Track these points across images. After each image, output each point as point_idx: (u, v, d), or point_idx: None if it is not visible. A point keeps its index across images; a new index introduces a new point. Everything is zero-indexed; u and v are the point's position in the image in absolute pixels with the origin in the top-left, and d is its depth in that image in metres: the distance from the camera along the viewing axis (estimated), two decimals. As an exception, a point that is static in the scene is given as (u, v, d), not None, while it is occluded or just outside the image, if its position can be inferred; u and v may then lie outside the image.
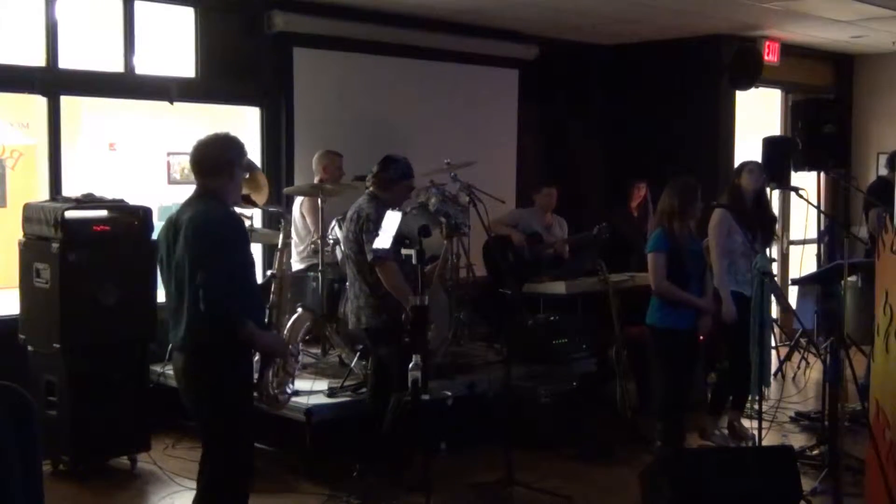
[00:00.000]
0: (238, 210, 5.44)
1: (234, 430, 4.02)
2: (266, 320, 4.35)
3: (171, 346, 4.20)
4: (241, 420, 4.06)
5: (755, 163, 6.67)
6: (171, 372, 5.42)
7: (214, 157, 4.02)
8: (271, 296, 4.69)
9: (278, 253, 4.92)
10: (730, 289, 6.18)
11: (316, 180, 6.90)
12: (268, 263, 7.36)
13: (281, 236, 5.00)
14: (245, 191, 4.85)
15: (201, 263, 3.83)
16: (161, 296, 5.94)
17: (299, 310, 4.73)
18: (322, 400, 5.86)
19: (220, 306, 3.82)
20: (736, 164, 8.90)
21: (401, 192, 5.53)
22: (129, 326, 5.75)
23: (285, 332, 4.61)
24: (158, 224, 6.07)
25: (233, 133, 4.17)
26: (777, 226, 7.30)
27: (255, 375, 4.30)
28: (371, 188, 5.55)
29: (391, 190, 5.48)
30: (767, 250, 6.60)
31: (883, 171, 10.50)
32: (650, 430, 6.35)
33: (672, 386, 5.78)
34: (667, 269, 5.65)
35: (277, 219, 7.35)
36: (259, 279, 7.10)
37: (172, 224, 4.04)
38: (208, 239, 3.88)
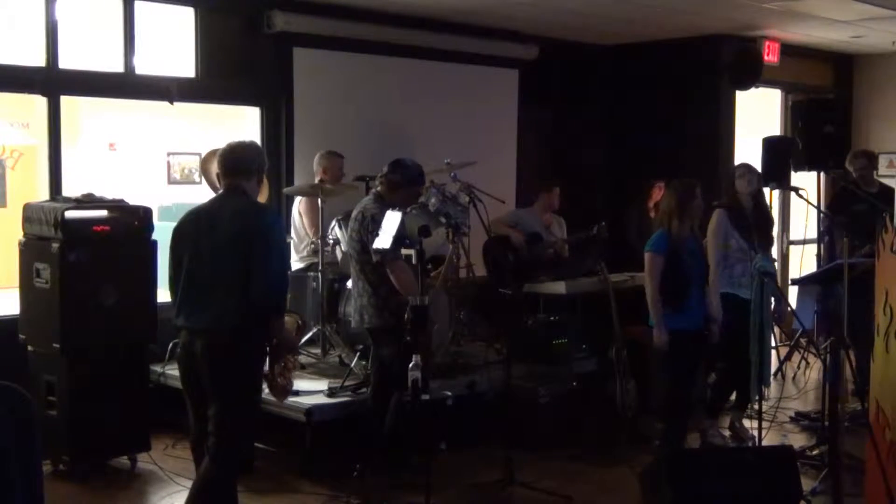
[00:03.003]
0: None
1: (248, 412, 4.31)
2: None
3: (184, 329, 4.33)
4: (256, 404, 4.42)
5: (746, 166, 6.62)
6: (171, 371, 5.46)
7: (251, 161, 4.43)
8: None
9: None
10: (722, 290, 6.18)
11: (316, 180, 6.89)
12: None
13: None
14: None
15: (263, 254, 4.15)
16: (161, 296, 5.97)
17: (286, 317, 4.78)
18: (322, 400, 5.86)
19: (280, 294, 4.29)
20: (736, 164, 8.96)
21: (407, 197, 5.52)
22: (129, 326, 5.75)
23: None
24: (158, 224, 6.08)
25: (231, 135, 4.33)
26: (776, 226, 7.28)
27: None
28: (378, 188, 5.55)
29: (397, 193, 5.47)
30: (769, 252, 6.58)
31: (885, 172, 10.54)
32: (650, 430, 6.36)
33: (675, 387, 5.78)
34: (665, 271, 5.64)
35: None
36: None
37: (206, 215, 4.35)
38: (275, 232, 4.30)
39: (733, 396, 6.66)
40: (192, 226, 4.36)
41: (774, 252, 9.35)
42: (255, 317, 4.20)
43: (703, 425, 6.44)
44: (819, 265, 7.59)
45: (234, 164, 4.40)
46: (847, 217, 7.15)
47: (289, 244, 7.06)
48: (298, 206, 7.11)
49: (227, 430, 4.23)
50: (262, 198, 5.94)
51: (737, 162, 9.20)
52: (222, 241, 4.22)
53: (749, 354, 5.81)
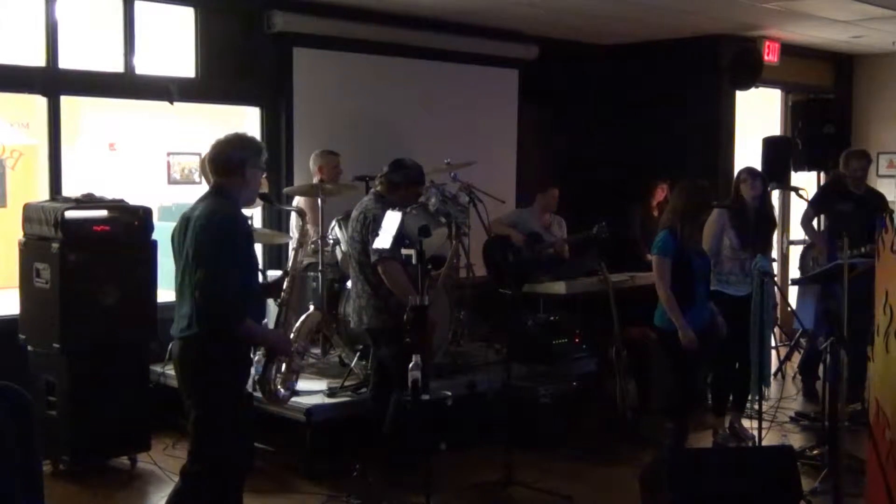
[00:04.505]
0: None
1: (219, 425, 4.06)
2: (279, 317, 4.43)
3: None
4: (229, 416, 4.07)
5: (748, 171, 6.52)
6: (171, 372, 5.44)
7: (228, 157, 4.11)
8: (282, 293, 4.71)
9: (293, 251, 4.86)
10: (711, 288, 6.18)
11: (315, 181, 6.88)
12: (267, 263, 7.37)
13: (297, 235, 4.98)
14: None
15: (202, 260, 3.93)
16: (161, 295, 5.98)
17: (311, 307, 4.73)
18: (322, 400, 5.87)
19: (217, 302, 3.91)
20: (736, 164, 8.97)
21: (407, 197, 5.51)
22: (129, 326, 5.75)
23: (294, 329, 4.63)
24: (158, 224, 6.09)
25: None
26: (776, 228, 7.27)
27: (258, 373, 4.43)
28: (378, 188, 5.55)
29: (397, 193, 5.47)
30: (768, 254, 6.58)
31: (884, 172, 10.56)
32: (650, 430, 6.36)
33: (682, 387, 5.78)
34: (674, 272, 5.64)
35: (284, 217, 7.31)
36: (260, 278, 7.14)
37: (185, 220, 4.14)
38: (210, 236, 3.96)
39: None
40: (177, 231, 4.20)
41: (774, 252, 9.40)
42: (212, 327, 3.96)
43: (713, 423, 6.45)
44: (800, 265, 7.59)
45: (213, 163, 4.16)
46: (832, 216, 7.18)
47: (304, 243, 7.04)
48: (301, 205, 7.11)
49: (197, 442, 4.10)
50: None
51: (737, 162, 9.24)
52: (188, 247, 4.05)
53: (744, 352, 5.81)
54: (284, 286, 4.71)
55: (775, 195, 9.28)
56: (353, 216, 5.59)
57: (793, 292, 8.96)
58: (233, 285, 3.92)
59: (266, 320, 4.62)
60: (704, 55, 9.30)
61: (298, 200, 7.12)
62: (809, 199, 7.54)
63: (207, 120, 8.27)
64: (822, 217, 7.52)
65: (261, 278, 6.87)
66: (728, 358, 6.24)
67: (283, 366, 4.56)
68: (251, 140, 4.23)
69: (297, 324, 4.70)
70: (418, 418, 4.71)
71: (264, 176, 6.07)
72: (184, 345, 4.06)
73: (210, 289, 3.89)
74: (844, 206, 7.09)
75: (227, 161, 4.10)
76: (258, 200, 4.60)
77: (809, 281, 6.96)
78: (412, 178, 5.53)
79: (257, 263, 4.40)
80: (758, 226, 6.43)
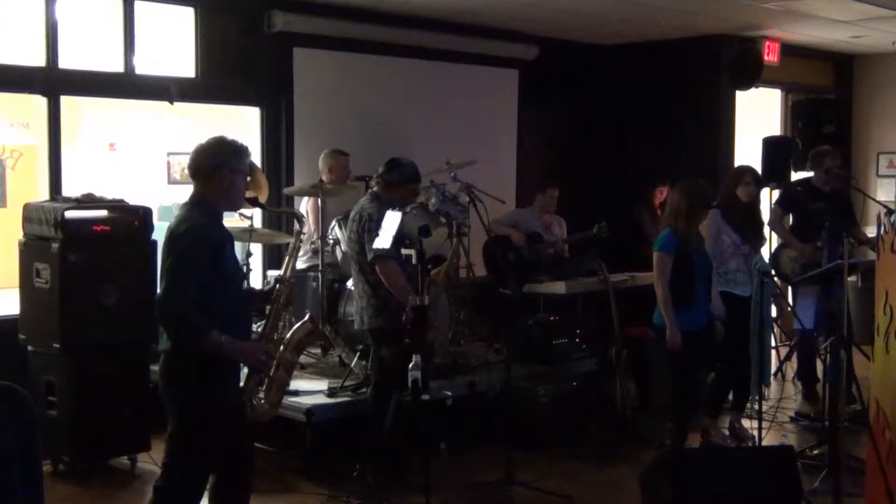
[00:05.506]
0: (240, 211, 5.34)
1: (192, 443, 3.99)
2: (264, 328, 4.29)
3: None
4: (205, 434, 3.96)
5: (753, 173, 6.52)
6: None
7: (202, 162, 3.96)
8: (271, 303, 4.40)
9: (287, 258, 4.52)
10: (718, 289, 6.18)
11: (326, 179, 6.85)
12: (267, 263, 7.37)
13: (292, 240, 4.59)
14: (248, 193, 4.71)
15: (162, 274, 3.89)
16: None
17: (307, 315, 4.58)
18: (322, 400, 5.86)
19: (170, 318, 3.88)
20: (736, 164, 8.95)
21: (404, 196, 5.52)
22: (130, 326, 5.74)
23: (284, 341, 4.45)
24: (158, 224, 6.09)
25: (231, 135, 4.07)
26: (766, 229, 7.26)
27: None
28: (375, 188, 5.56)
29: (394, 192, 5.48)
30: (759, 251, 6.58)
31: (884, 172, 10.57)
32: (650, 430, 6.36)
33: (683, 386, 5.78)
34: (675, 270, 5.63)
35: (289, 221, 7.28)
36: (261, 278, 7.14)
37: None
38: (170, 248, 3.89)
39: (731, 396, 6.66)
40: None
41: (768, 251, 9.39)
42: (176, 340, 3.92)
43: (705, 424, 6.44)
44: (772, 265, 7.59)
45: (190, 170, 4.01)
46: (803, 214, 7.18)
47: (298, 248, 7.02)
48: (306, 206, 7.11)
49: (169, 457, 4.04)
50: (263, 198, 5.90)
51: (737, 162, 9.22)
52: None
53: (746, 353, 5.81)
54: (274, 295, 4.37)
55: (776, 195, 9.28)
56: (350, 216, 5.60)
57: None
58: (187, 302, 3.78)
59: (259, 328, 4.51)
60: (704, 55, 9.30)
61: (306, 200, 7.11)
62: (776, 199, 7.57)
63: (208, 120, 8.29)
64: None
65: (261, 283, 6.96)
66: (731, 359, 6.23)
67: (266, 378, 4.23)
68: (229, 143, 4.00)
69: (287, 335, 4.41)
70: (418, 418, 4.71)
71: (263, 177, 5.98)
72: (164, 359, 4.03)
73: (163, 305, 3.85)
74: (816, 205, 7.09)
75: (203, 167, 3.94)
76: (246, 205, 4.42)
77: (809, 281, 6.96)
78: (408, 177, 5.53)
79: (238, 271, 4.24)
80: (751, 224, 6.42)
